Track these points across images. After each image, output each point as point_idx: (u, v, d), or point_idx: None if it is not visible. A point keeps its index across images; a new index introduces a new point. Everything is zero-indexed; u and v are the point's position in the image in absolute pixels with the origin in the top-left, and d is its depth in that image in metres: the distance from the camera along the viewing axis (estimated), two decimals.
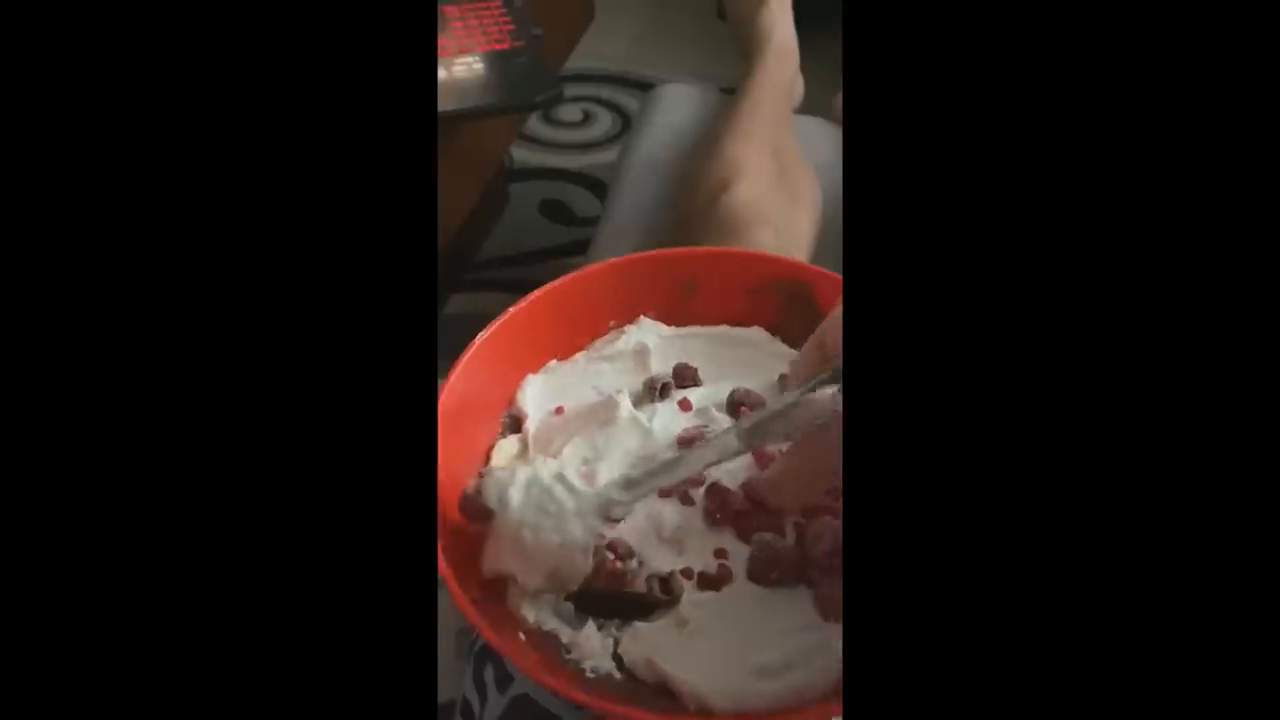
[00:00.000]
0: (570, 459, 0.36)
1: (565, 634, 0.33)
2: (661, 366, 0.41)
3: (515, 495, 0.33)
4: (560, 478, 0.33)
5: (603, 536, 0.33)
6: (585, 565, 0.33)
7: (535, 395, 0.40)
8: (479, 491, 0.33)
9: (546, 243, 1.19)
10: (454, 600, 0.32)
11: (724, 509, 0.35)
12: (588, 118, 1.37)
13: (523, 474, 0.33)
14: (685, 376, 0.41)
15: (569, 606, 0.34)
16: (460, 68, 0.69)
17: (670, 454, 0.36)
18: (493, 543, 0.33)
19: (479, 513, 0.33)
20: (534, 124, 1.33)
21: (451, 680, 0.48)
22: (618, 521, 0.34)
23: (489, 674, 0.40)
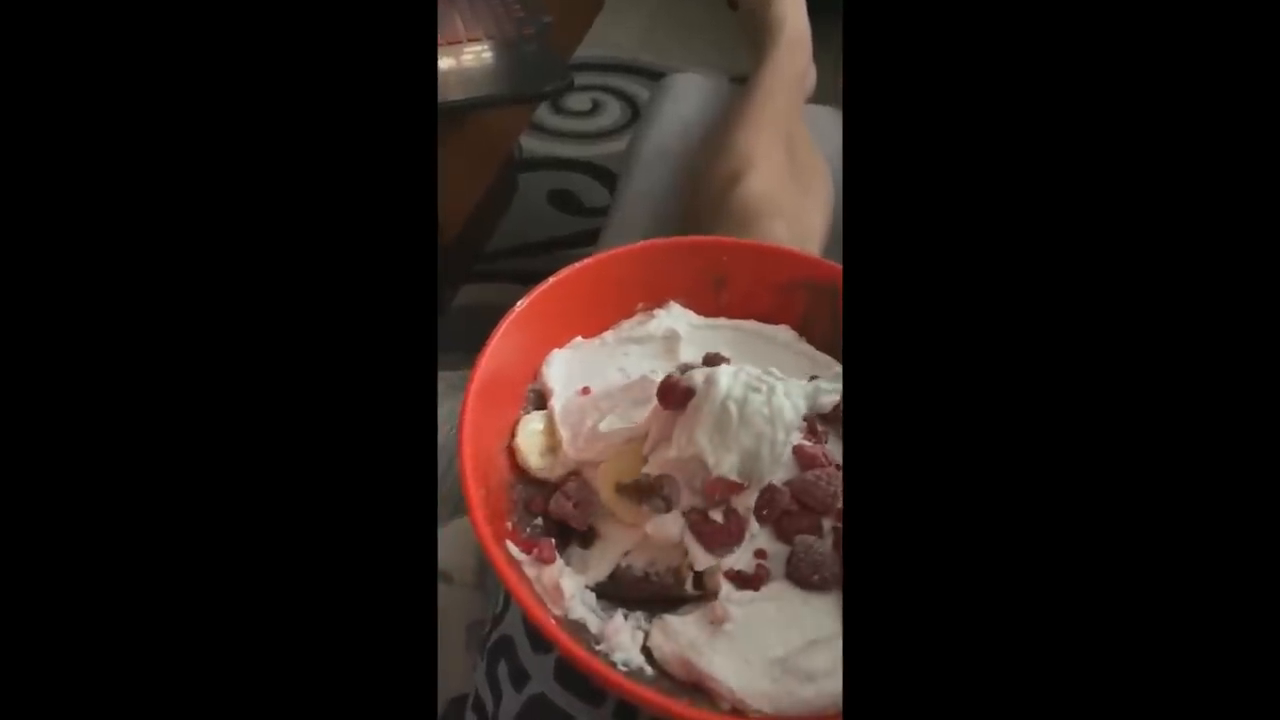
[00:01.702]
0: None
1: (594, 624, 0.32)
2: (690, 354, 0.40)
3: (724, 376, 0.33)
4: (769, 370, 0.34)
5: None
6: (783, 451, 0.33)
7: (560, 372, 0.40)
8: (682, 379, 0.34)
9: (555, 233, 1.19)
10: (493, 564, 0.31)
11: (771, 507, 0.34)
12: (597, 107, 1.36)
13: (728, 366, 0.34)
14: (715, 365, 0.40)
15: (593, 595, 0.33)
16: (469, 56, 0.68)
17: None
18: (685, 424, 0.33)
19: (680, 395, 0.34)
20: (543, 113, 1.33)
21: (463, 674, 0.48)
22: (825, 414, 0.35)
23: (502, 670, 0.40)
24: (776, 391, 0.33)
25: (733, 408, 0.32)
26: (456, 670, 0.49)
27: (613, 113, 1.35)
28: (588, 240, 1.01)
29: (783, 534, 0.34)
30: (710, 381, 0.33)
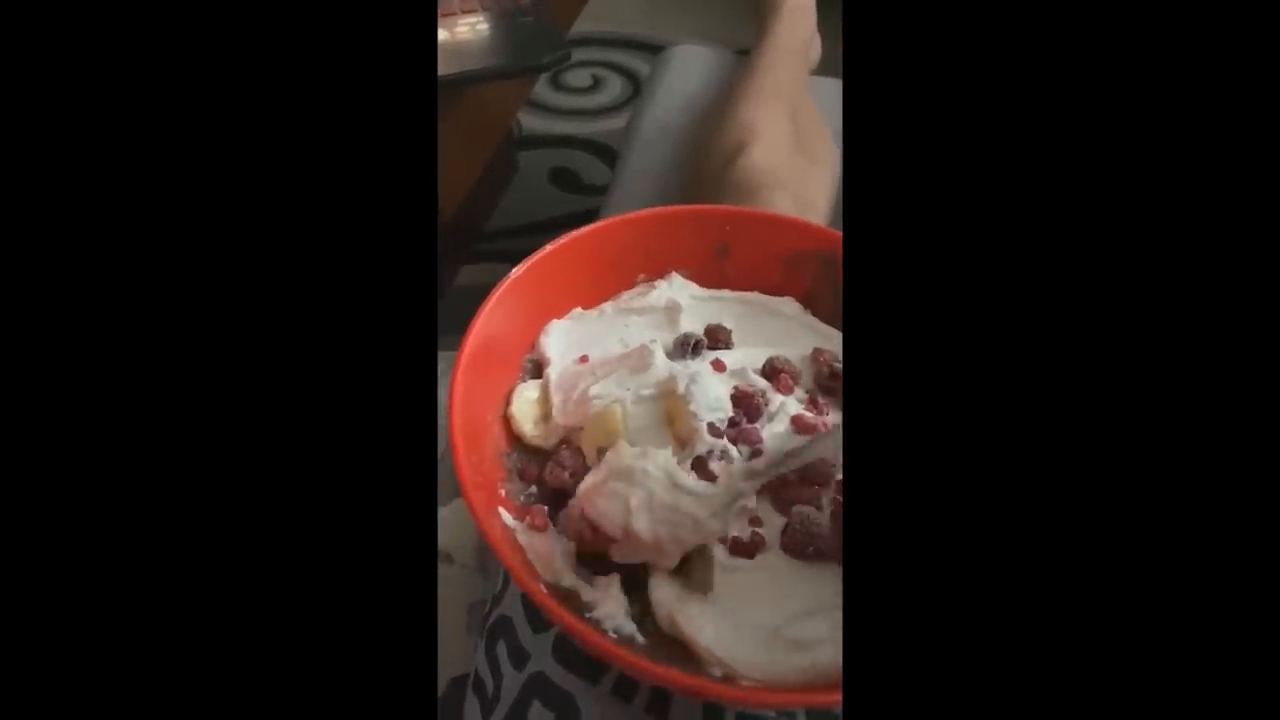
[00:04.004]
0: (664, 457, 0.33)
1: (585, 592, 0.32)
2: (692, 326, 0.40)
3: (640, 520, 0.31)
4: (675, 486, 0.31)
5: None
6: (728, 529, 0.32)
7: (558, 342, 0.39)
8: (596, 526, 0.32)
9: (557, 212, 1.18)
10: (480, 529, 0.31)
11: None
12: (597, 83, 1.34)
13: (636, 495, 0.31)
14: (718, 338, 0.39)
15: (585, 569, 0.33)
16: (464, 29, 0.67)
17: (794, 442, 0.34)
18: (623, 549, 0.32)
19: (602, 540, 0.32)
20: (542, 90, 1.31)
21: (464, 654, 0.47)
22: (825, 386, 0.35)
23: (502, 650, 0.39)
24: (699, 520, 0.31)
25: (665, 542, 0.31)
26: (457, 651, 0.49)
27: (614, 89, 1.33)
28: (589, 219, 1.00)
29: (780, 503, 0.33)
30: (628, 532, 0.31)
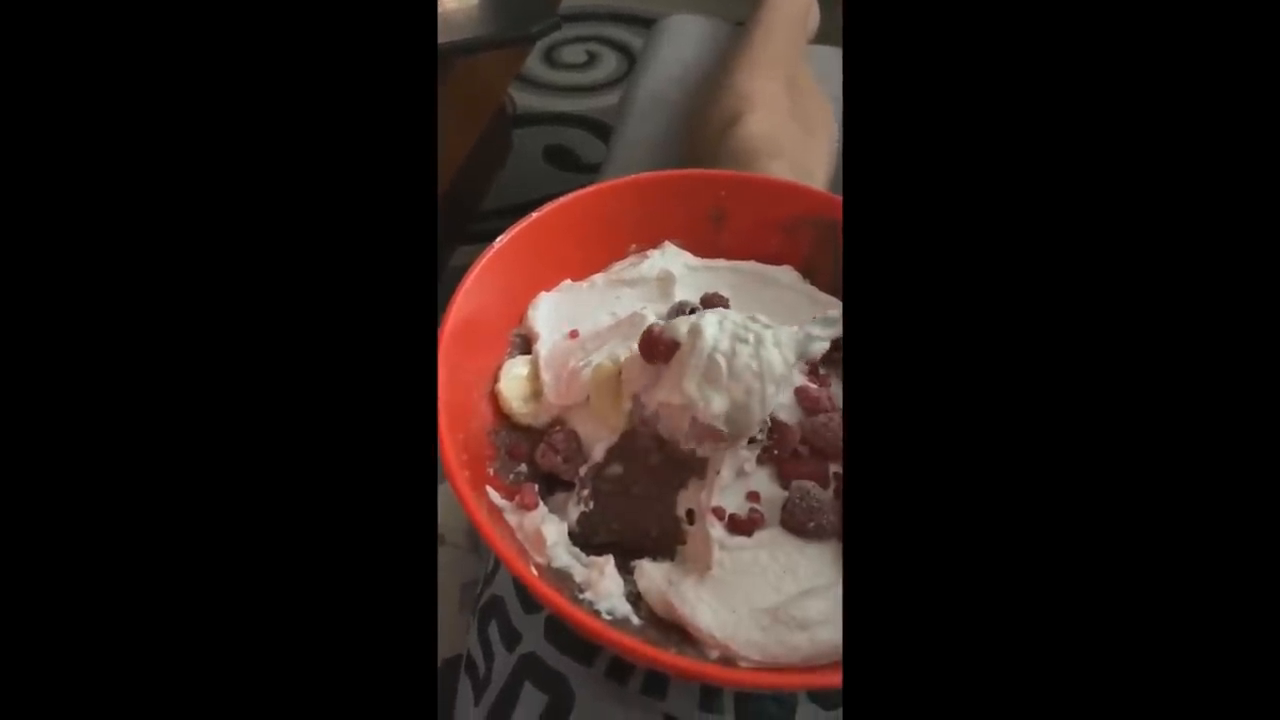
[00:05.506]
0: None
1: (579, 573, 0.31)
2: (686, 297, 0.38)
3: (710, 326, 0.31)
4: (754, 316, 0.32)
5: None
6: (769, 408, 0.31)
7: (547, 315, 0.38)
8: (664, 330, 0.32)
9: (553, 191, 1.15)
10: (466, 511, 0.29)
11: (782, 445, 0.32)
12: (592, 59, 1.32)
13: (712, 313, 0.32)
14: (714, 306, 0.38)
15: (577, 549, 0.32)
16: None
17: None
18: (672, 373, 0.31)
19: (664, 348, 0.32)
20: (536, 66, 1.29)
21: (458, 635, 0.46)
22: (814, 360, 0.33)
23: (494, 631, 0.39)
24: (765, 343, 0.31)
25: (721, 361, 0.30)
26: (450, 632, 0.48)
27: (609, 64, 1.31)
28: None
29: (783, 477, 0.32)
30: (695, 332, 0.31)
